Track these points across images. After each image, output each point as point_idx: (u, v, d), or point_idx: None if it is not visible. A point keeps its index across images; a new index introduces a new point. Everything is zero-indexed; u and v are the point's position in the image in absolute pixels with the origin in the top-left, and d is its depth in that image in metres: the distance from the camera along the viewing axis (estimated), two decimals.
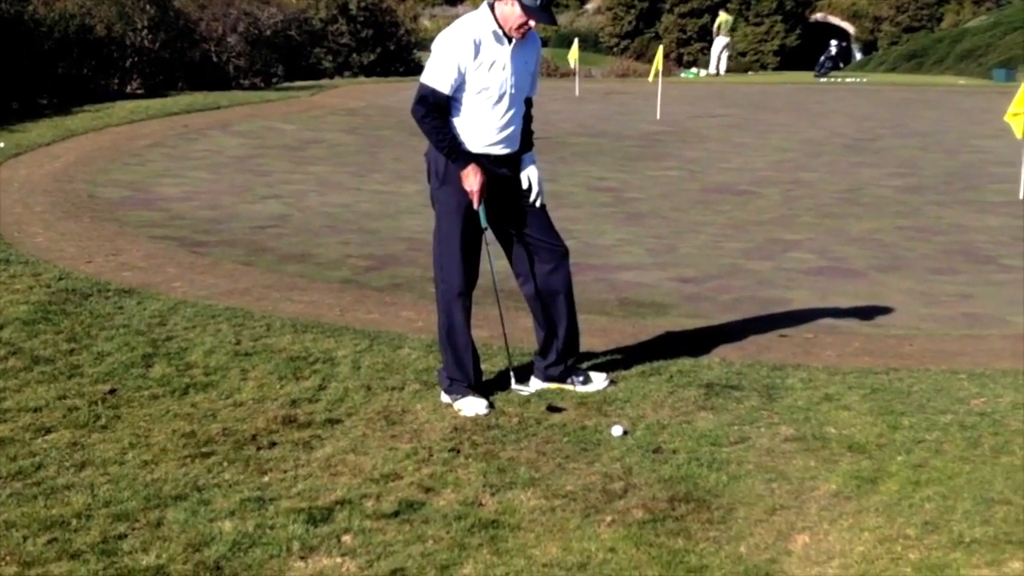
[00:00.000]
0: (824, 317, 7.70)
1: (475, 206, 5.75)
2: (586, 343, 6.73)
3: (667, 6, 63.59)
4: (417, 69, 42.91)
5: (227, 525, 4.48)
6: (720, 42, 41.75)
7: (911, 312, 7.95)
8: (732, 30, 45.36)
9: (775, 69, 52.84)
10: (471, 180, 5.69)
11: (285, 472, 5.03)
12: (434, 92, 5.62)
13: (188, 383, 6.13)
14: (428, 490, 4.85)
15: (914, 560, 4.22)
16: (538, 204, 5.90)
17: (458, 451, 5.27)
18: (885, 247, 10.41)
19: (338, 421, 5.63)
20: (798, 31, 59.24)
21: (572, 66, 31.59)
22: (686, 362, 6.51)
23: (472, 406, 5.76)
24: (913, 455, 5.16)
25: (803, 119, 23.17)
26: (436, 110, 5.64)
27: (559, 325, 6.02)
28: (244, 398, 5.93)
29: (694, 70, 43.58)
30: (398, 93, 26.76)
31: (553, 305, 5.98)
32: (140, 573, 4.10)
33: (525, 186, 5.88)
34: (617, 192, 13.61)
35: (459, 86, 5.62)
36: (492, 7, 5.62)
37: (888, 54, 56.26)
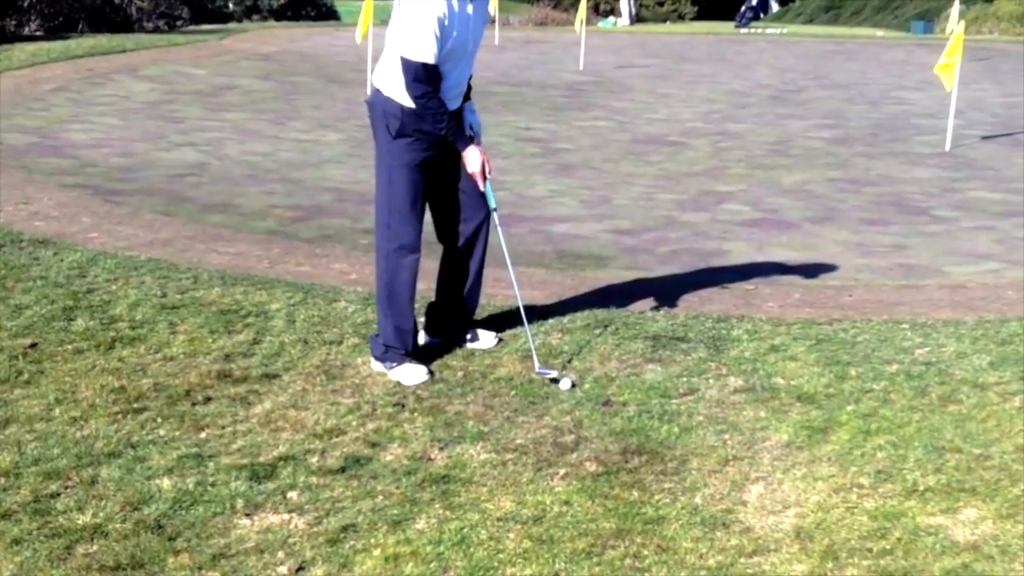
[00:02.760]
0: (762, 268, 7.65)
1: (481, 187, 5.52)
2: (526, 296, 6.60)
3: None
4: (329, 14, 42.23)
5: (165, 483, 4.33)
6: None
7: (847, 263, 7.93)
8: None
9: (692, 19, 53.09)
10: (475, 161, 5.45)
11: (223, 428, 4.86)
12: (425, 66, 5.23)
13: (114, 337, 5.89)
14: (374, 445, 4.72)
15: (869, 509, 4.20)
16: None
17: (402, 406, 5.13)
18: (817, 198, 10.40)
19: (275, 376, 5.45)
20: None
21: (491, 13, 31.31)
22: (630, 314, 6.41)
23: (411, 375, 5.47)
24: (862, 405, 5.12)
25: (727, 70, 23.16)
26: (432, 84, 5.28)
27: (465, 279, 5.80)
28: (175, 352, 5.71)
29: (611, 19, 43.59)
30: (311, 38, 26.51)
31: (466, 258, 5.75)
32: (77, 532, 3.94)
33: (468, 135, 5.65)
34: (546, 143, 13.47)
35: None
36: None
37: (806, 5, 56.68)
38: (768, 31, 39.03)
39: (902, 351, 5.84)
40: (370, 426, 4.91)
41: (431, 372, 5.53)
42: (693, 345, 5.89)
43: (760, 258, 8.05)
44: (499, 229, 5.69)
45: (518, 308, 5.77)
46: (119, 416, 4.93)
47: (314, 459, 4.58)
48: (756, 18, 42.89)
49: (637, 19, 43.45)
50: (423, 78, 5.25)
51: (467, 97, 5.66)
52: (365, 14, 16.46)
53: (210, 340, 5.89)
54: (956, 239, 8.83)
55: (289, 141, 13.05)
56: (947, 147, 13.22)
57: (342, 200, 9.65)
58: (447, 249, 5.78)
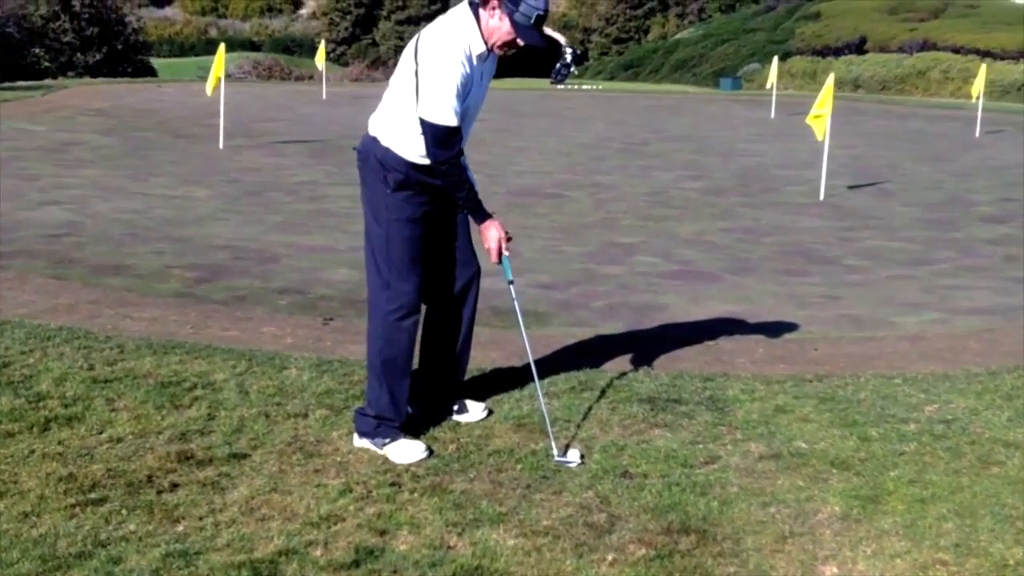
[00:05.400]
0: (710, 323, 7.36)
1: (495, 261, 5.04)
2: (485, 357, 6.20)
3: (384, 13, 63.75)
4: (147, 70, 41.25)
5: None
6: None
7: (790, 315, 7.68)
8: None
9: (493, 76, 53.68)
10: (493, 238, 4.97)
11: (201, 519, 4.23)
12: (448, 130, 4.74)
13: (47, 416, 5.16)
14: (382, 533, 4.17)
15: None
16: None
17: (399, 485, 4.59)
18: (721, 249, 10.23)
19: (244, 455, 4.84)
20: None
21: (320, 69, 31.25)
22: (611, 375, 5.99)
23: (407, 452, 4.89)
24: (902, 470, 4.78)
25: (564, 124, 23.26)
26: (455, 148, 4.80)
27: (456, 339, 5.32)
28: (121, 432, 5.03)
29: None
30: (136, 94, 26.14)
31: (456, 316, 5.27)
32: None
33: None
34: None
35: None
36: (476, 11, 4.78)
37: (603, 64, 58.12)
38: (584, 87, 39.72)
39: (911, 408, 5.57)
40: (370, 510, 4.35)
41: (430, 449, 4.97)
42: (693, 408, 5.50)
43: (701, 312, 7.77)
44: (515, 302, 5.24)
45: (530, 375, 5.25)
46: (76, 509, 4.26)
47: (318, 552, 4.01)
48: (568, 74, 43.74)
49: None
50: (446, 142, 4.76)
51: None
52: (216, 67, 15.89)
53: (158, 417, 5.23)
54: (882, 289, 8.74)
55: (158, 198, 12.32)
56: (821, 197, 13.33)
57: (240, 259, 9.03)
58: (435, 307, 5.25)
